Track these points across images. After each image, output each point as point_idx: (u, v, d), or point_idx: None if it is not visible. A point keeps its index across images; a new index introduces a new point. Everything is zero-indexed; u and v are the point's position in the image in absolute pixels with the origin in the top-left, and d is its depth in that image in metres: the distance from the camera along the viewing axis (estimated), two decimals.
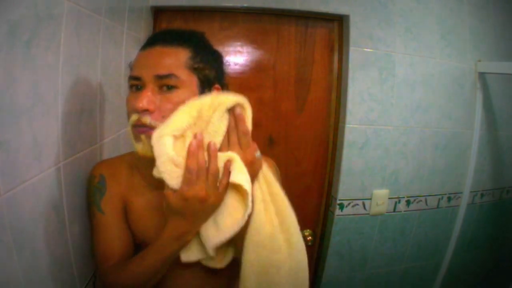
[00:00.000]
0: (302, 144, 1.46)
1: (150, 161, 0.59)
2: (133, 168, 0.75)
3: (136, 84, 0.63)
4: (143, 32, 1.20)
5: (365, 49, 1.36)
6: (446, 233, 1.64)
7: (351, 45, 1.34)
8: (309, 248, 1.53)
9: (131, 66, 0.66)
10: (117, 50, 0.93)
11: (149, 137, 0.58)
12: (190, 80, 0.63)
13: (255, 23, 1.36)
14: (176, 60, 0.62)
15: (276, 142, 1.43)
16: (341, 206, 1.43)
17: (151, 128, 0.59)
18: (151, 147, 0.56)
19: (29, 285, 0.52)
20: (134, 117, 0.61)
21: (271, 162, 0.78)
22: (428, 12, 1.42)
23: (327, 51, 1.42)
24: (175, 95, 0.61)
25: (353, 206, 1.44)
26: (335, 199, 1.43)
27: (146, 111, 0.60)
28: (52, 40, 0.57)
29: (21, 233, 0.50)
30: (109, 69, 0.88)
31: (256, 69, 1.38)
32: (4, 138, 0.46)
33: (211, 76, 0.66)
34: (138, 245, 0.74)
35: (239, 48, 1.37)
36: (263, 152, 0.97)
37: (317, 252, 1.54)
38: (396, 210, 1.51)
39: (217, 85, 0.67)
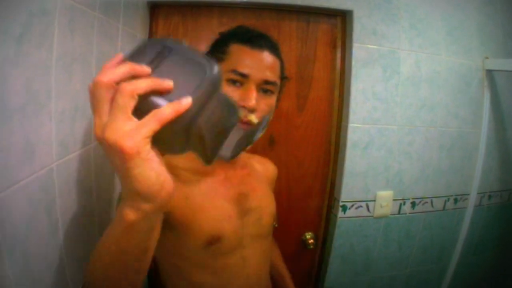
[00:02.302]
0: (304, 144, 1.46)
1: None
2: (179, 166, 0.78)
3: (238, 80, 0.70)
4: (139, 28, 1.20)
5: (369, 46, 1.36)
6: (453, 236, 1.64)
7: (354, 42, 1.34)
8: (311, 251, 1.53)
9: (224, 55, 0.72)
10: (112, 46, 0.93)
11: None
12: (278, 88, 0.76)
13: (254, 19, 1.36)
14: (278, 69, 0.74)
15: (276, 142, 1.43)
16: (344, 208, 1.43)
17: (251, 125, 0.70)
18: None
19: None
20: (241, 112, 0.68)
21: (271, 166, 0.96)
22: (433, 8, 1.42)
23: (329, 47, 1.42)
24: (271, 98, 0.73)
25: (356, 208, 1.44)
26: (338, 200, 1.43)
27: (252, 110, 0.69)
28: (45, 36, 0.57)
29: (12, 236, 0.50)
30: None
31: None
32: None
33: (283, 88, 0.81)
34: (207, 245, 0.72)
35: None
36: (264, 153, 1.00)
37: (319, 255, 1.54)
38: (401, 212, 1.51)
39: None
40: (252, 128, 0.71)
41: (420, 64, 1.43)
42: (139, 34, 1.21)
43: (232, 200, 0.77)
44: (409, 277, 1.62)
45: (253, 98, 0.68)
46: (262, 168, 0.93)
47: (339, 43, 1.42)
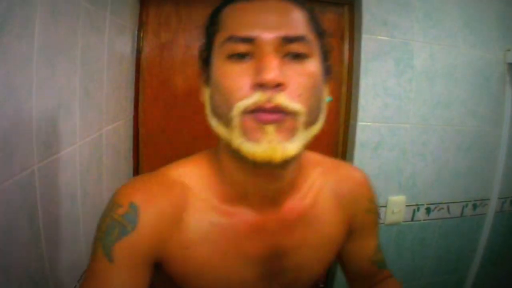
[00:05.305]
0: (308, 145, 1.45)
1: (265, 171, 0.50)
2: (193, 189, 0.55)
3: (244, 51, 0.47)
4: (129, 18, 1.20)
5: (380, 37, 1.35)
6: (471, 244, 1.64)
7: (363, 33, 1.34)
8: None
9: (218, 25, 0.52)
10: (99, 38, 0.93)
11: (283, 130, 0.45)
12: (317, 48, 0.51)
13: None
14: (303, 19, 0.50)
15: None
16: None
17: (286, 113, 0.45)
18: (283, 146, 0.45)
19: None
20: (260, 96, 0.44)
21: (366, 189, 0.66)
22: None
23: (336, 39, 1.42)
24: (307, 66, 0.48)
25: None
26: None
27: (279, 86, 0.45)
28: (26, 27, 0.57)
29: None
30: (90, 60, 0.88)
31: None
32: None
33: (327, 49, 0.56)
34: None
35: None
36: None
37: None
38: (415, 219, 1.51)
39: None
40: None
41: (435, 57, 1.43)
42: (129, 24, 1.21)
43: (257, 258, 0.55)
44: None
45: (271, 67, 0.44)
46: (348, 195, 0.64)
47: (346, 35, 1.42)
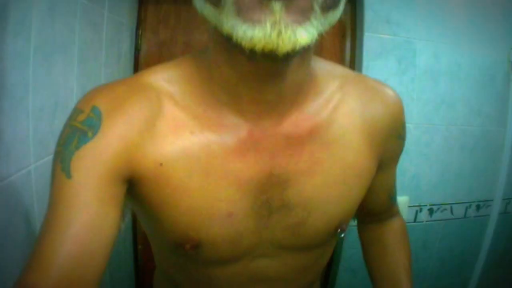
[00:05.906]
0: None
1: (265, 66, 0.39)
2: (172, 95, 0.45)
3: None
4: (127, 15, 1.20)
5: (382, 35, 1.35)
6: (475, 246, 1.64)
7: (365, 31, 1.33)
8: None
9: None
10: (96, 35, 0.92)
11: (294, 9, 0.33)
12: None
13: None
14: None
15: None
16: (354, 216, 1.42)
17: None
18: (293, 31, 0.33)
19: None
20: None
21: (396, 107, 0.56)
22: None
23: (337, 37, 1.41)
24: None
25: None
26: None
27: None
28: (22, 24, 0.57)
29: None
30: (88, 58, 0.87)
31: None
32: None
33: None
34: (177, 247, 0.47)
35: None
36: None
37: (326, 268, 1.54)
38: (417, 220, 1.51)
39: None
40: None
41: (439, 56, 1.42)
42: (127, 22, 1.21)
43: (250, 185, 0.45)
44: None
45: None
46: (380, 119, 0.52)
47: (348, 33, 1.41)
